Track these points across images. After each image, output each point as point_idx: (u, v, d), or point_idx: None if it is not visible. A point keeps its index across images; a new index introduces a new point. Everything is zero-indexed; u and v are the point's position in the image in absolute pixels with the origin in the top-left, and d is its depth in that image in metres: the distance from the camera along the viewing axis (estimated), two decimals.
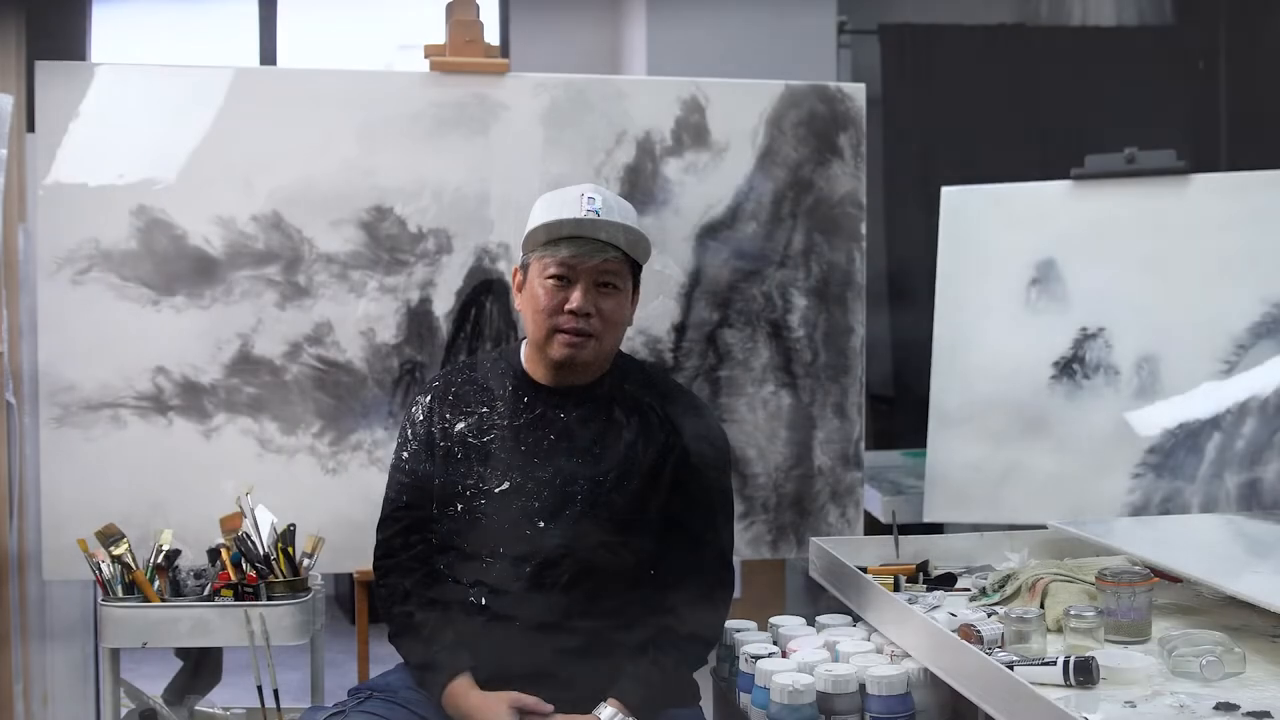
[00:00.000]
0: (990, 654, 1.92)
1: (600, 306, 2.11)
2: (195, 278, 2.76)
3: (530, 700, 2.05)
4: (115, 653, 2.39)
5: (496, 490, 2.12)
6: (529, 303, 2.14)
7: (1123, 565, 2.20)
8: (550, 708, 2.06)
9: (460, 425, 2.17)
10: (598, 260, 2.10)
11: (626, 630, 2.12)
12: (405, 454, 2.21)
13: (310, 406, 2.81)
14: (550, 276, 2.10)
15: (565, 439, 2.14)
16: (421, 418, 2.20)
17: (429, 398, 2.22)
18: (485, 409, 2.18)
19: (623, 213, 2.14)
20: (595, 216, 2.09)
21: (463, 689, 2.07)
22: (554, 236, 2.11)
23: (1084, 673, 1.85)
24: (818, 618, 2.39)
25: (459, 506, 2.14)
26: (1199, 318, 2.86)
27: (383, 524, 2.24)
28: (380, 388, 2.84)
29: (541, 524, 2.10)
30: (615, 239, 2.11)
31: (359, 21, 5.47)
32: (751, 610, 2.50)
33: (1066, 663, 1.86)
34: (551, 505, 2.10)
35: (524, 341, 2.23)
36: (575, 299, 2.09)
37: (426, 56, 2.88)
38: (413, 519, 2.19)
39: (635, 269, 2.19)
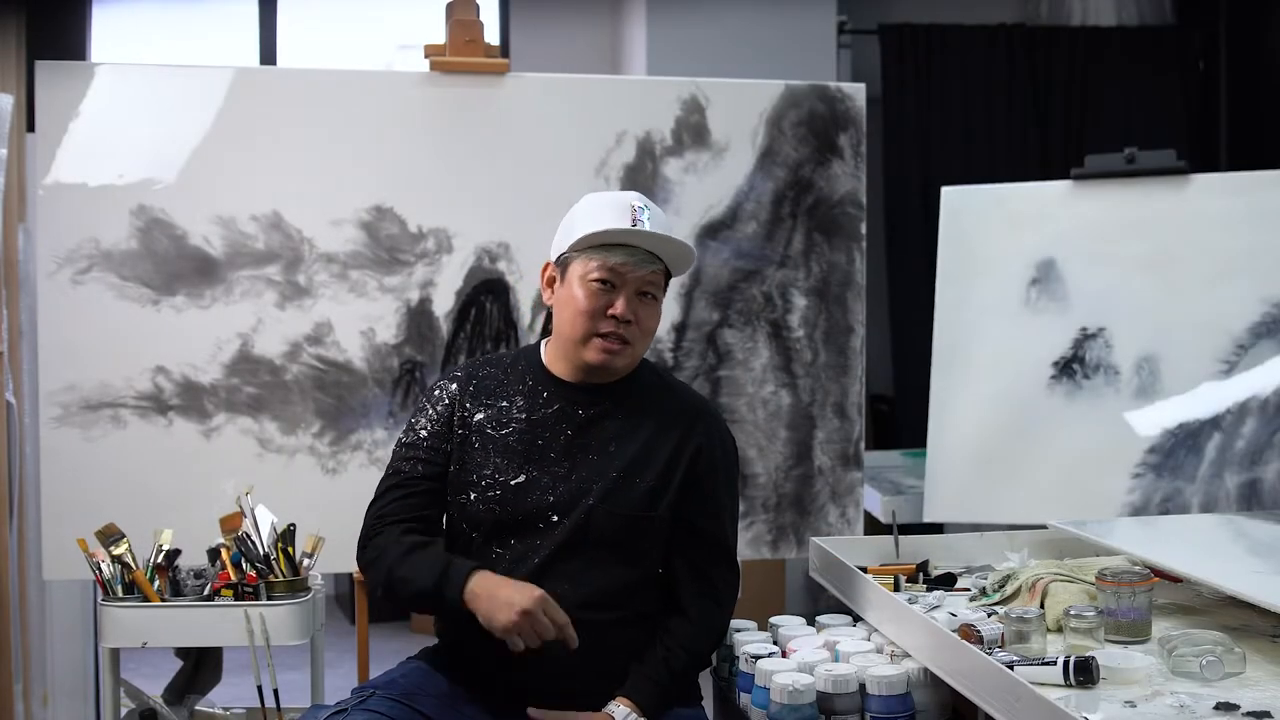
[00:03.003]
0: (990, 654, 1.92)
1: (639, 314, 2.15)
2: (195, 278, 2.76)
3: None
4: (115, 653, 2.38)
5: (511, 482, 2.14)
6: (567, 303, 2.16)
7: (1123, 565, 2.19)
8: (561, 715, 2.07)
9: (479, 416, 2.19)
10: (645, 271, 2.14)
11: (634, 627, 2.14)
12: (424, 432, 2.20)
13: (310, 406, 2.81)
14: (595, 280, 2.12)
15: (582, 435, 2.16)
16: (446, 401, 2.21)
17: (453, 385, 2.23)
18: (505, 402, 2.20)
19: (665, 225, 2.18)
20: (645, 228, 2.13)
21: (486, 575, 2.04)
22: (604, 242, 2.13)
23: (1084, 673, 1.84)
24: (818, 618, 2.39)
25: (472, 495, 2.15)
26: (1199, 318, 2.86)
27: (386, 492, 2.19)
28: (380, 388, 2.84)
29: (554, 517, 2.12)
30: (663, 252, 2.15)
31: (359, 21, 5.47)
32: (751, 610, 2.50)
33: (1066, 663, 1.85)
34: (565, 500, 2.12)
35: (544, 341, 2.25)
36: (619, 306, 2.12)
37: (426, 56, 2.88)
38: (425, 489, 2.18)
39: (668, 280, 2.23)
